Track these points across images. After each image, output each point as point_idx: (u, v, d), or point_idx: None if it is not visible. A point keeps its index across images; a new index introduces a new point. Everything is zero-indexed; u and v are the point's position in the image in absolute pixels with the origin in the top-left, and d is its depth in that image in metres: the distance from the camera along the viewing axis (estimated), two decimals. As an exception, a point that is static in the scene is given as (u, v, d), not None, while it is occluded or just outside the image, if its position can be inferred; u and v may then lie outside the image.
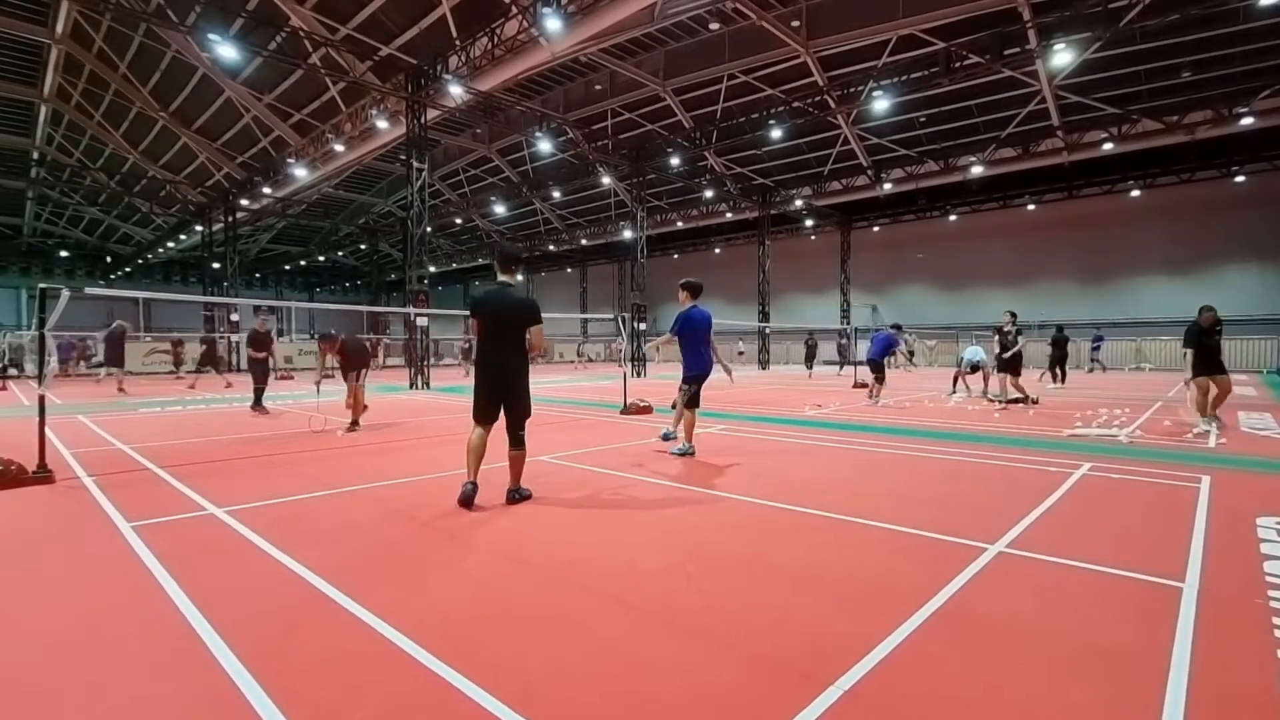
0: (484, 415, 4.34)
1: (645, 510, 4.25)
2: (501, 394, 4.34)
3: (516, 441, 4.38)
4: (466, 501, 4.17)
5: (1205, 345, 7.88)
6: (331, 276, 55.84)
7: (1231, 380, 8.04)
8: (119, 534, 3.67)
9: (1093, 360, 21.71)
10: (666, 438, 6.90)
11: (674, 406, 6.60)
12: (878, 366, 11.69)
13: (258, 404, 10.18)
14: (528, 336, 4.35)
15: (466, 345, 24.59)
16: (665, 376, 21.24)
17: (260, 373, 10.30)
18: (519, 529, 3.80)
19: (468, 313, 4.49)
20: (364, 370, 8.53)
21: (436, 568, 3.15)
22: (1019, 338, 10.53)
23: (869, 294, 32.52)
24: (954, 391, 12.75)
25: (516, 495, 4.37)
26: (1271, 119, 17.97)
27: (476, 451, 4.28)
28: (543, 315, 4.44)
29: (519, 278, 4.58)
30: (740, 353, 33.70)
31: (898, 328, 12.49)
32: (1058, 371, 15.77)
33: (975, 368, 12.32)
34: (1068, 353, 16.02)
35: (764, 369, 27.54)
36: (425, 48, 17.21)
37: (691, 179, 26.77)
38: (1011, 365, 10.50)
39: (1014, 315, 10.78)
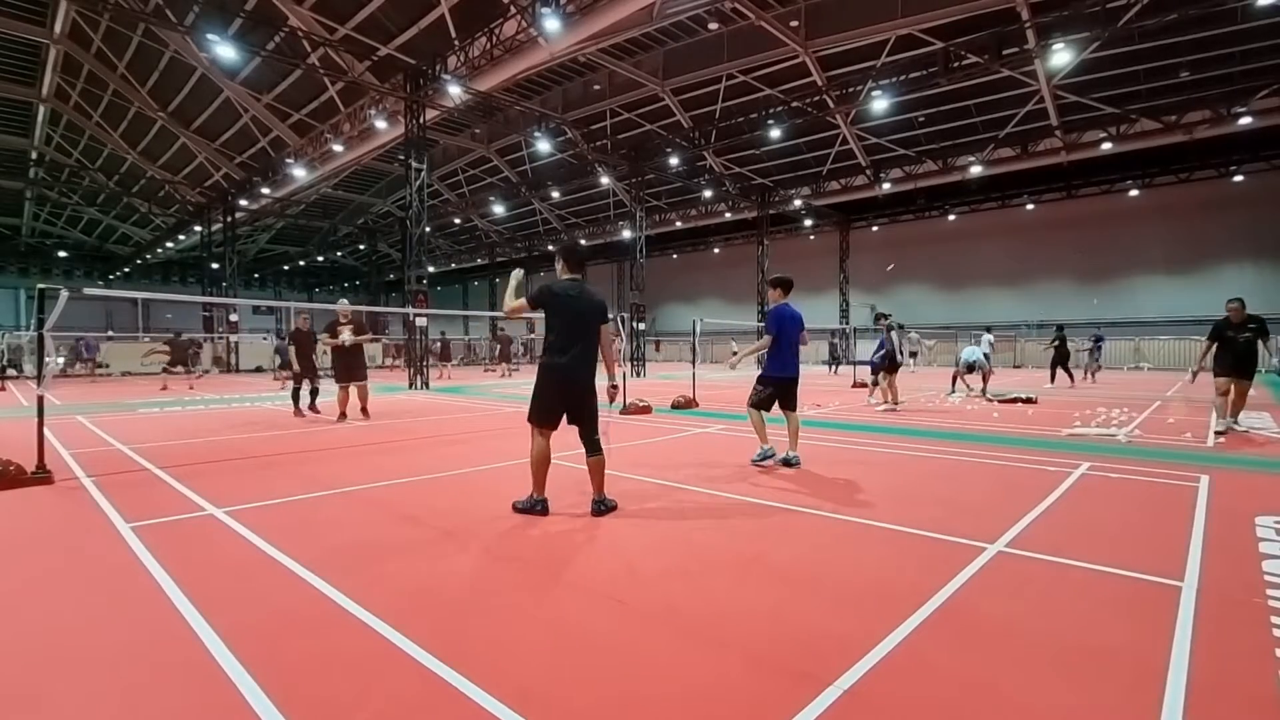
0: (552, 421, 4.03)
1: (644, 510, 4.24)
2: (574, 400, 4.03)
3: (594, 447, 4.09)
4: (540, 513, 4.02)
5: (1231, 341, 7.16)
6: (330, 277, 55.83)
7: (1249, 386, 7.37)
8: (118, 534, 3.67)
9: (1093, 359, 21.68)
10: (766, 459, 5.74)
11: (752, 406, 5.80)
12: (876, 369, 11.63)
13: (312, 405, 9.96)
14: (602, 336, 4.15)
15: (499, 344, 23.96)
16: (666, 376, 21.24)
17: (308, 371, 10.01)
18: (518, 529, 3.79)
19: (537, 300, 3.95)
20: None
21: (435, 568, 3.14)
22: (895, 336, 10.87)
23: (868, 294, 32.52)
24: (953, 391, 12.77)
25: (603, 506, 4.06)
26: (1269, 119, 18.00)
27: (545, 465, 4.02)
28: (542, 315, 4.21)
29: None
30: (734, 352, 33.70)
31: (884, 316, 12.37)
32: (1057, 370, 15.58)
33: (971, 367, 12.36)
34: (1069, 352, 15.73)
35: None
36: (424, 48, 17.20)
37: (690, 179, 26.77)
38: (889, 366, 10.73)
39: (884, 315, 10.77)
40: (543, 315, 4.07)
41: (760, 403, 5.77)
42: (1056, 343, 15.50)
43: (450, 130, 26.06)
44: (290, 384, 10.06)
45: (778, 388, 5.73)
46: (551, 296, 3.98)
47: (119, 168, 30.18)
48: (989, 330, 20.86)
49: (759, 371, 5.98)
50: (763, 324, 6.35)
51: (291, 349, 10.04)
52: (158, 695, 2.01)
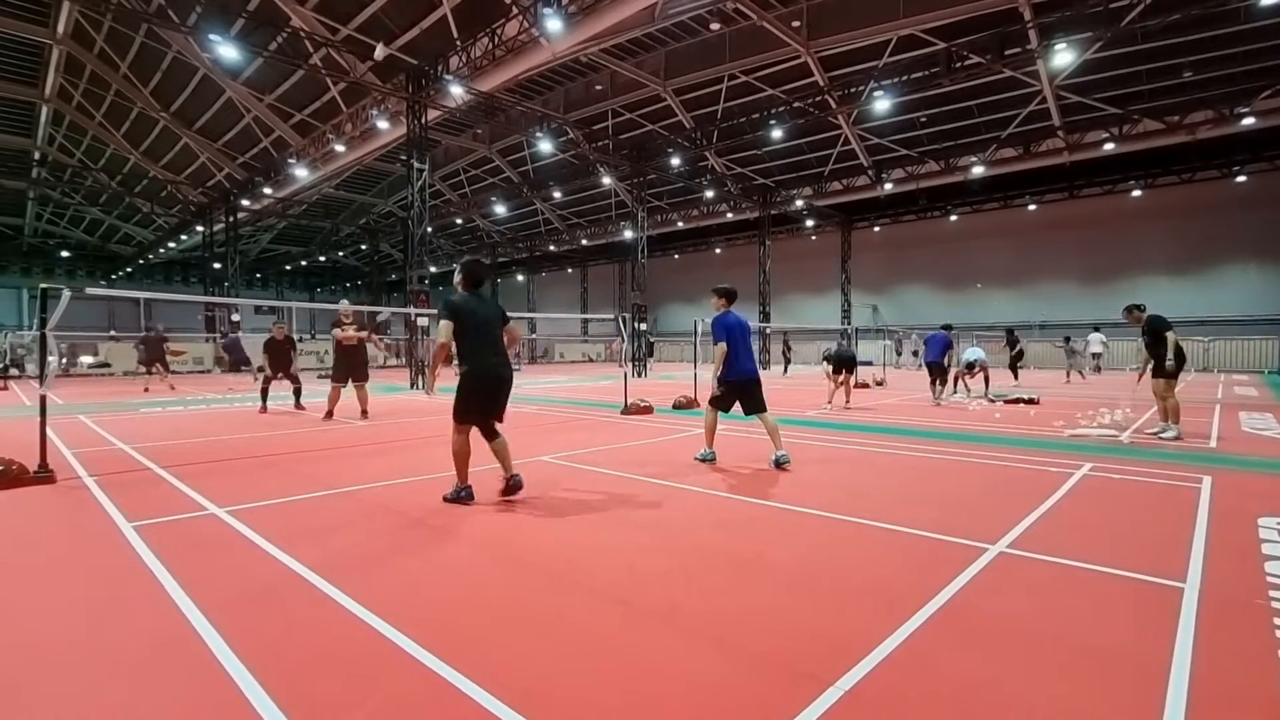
0: (480, 417, 4.44)
1: (645, 510, 4.25)
2: (495, 397, 4.45)
3: (495, 433, 4.49)
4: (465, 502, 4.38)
5: (1147, 347, 7.43)
6: (333, 277, 55.91)
7: (1165, 385, 7.16)
8: (120, 534, 3.68)
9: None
10: (705, 460, 5.97)
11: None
12: (940, 368, 11.58)
13: (297, 404, 10.52)
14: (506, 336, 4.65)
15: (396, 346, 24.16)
16: (667, 376, 21.23)
17: (280, 372, 10.41)
18: (519, 529, 3.80)
19: (445, 316, 4.30)
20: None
21: (437, 568, 3.15)
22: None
23: (870, 294, 32.49)
24: (954, 391, 12.75)
25: (515, 480, 4.46)
26: (1272, 119, 17.94)
27: (467, 457, 4.42)
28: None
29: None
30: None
31: (948, 328, 12.30)
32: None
33: (970, 366, 12.39)
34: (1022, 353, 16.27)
35: (764, 369, 27.54)
36: (426, 48, 17.21)
37: (692, 179, 26.75)
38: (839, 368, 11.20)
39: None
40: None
41: (716, 400, 5.96)
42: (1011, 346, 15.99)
43: (452, 130, 26.07)
44: (259, 382, 10.61)
45: (734, 390, 5.88)
46: (457, 311, 4.34)
47: (121, 168, 30.22)
48: (1097, 329, 20.85)
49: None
50: (760, 323, 6.43)
51: (265, 356, 10.43)
52: (159, 693, 2.01)
